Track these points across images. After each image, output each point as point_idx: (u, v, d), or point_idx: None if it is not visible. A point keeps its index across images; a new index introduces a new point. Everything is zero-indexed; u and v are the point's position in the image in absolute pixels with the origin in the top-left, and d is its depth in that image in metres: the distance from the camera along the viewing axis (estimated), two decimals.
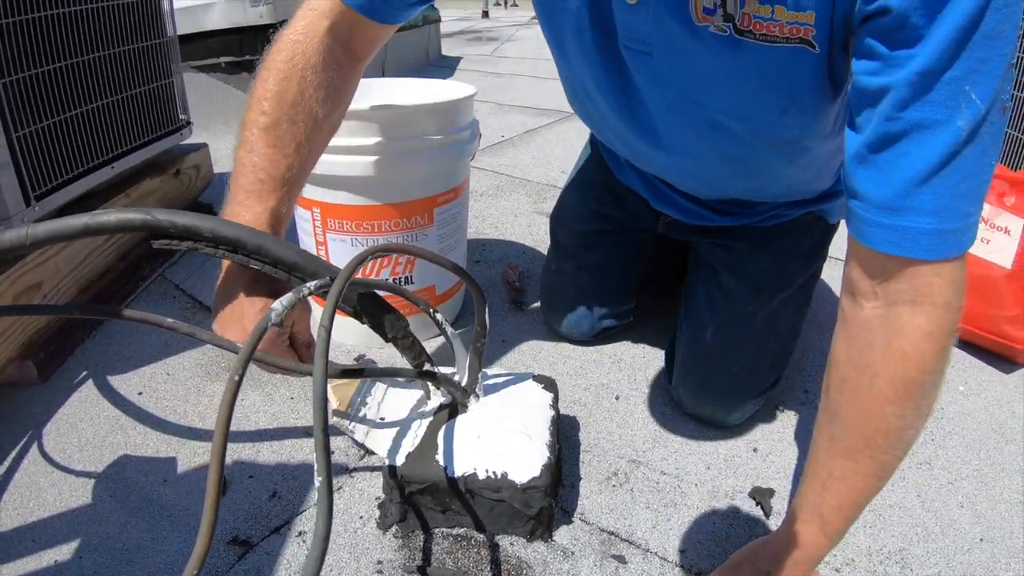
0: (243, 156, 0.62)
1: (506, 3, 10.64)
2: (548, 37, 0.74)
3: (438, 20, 3.84)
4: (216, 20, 2.24)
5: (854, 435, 0.53)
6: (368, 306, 0.62)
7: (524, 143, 2.18)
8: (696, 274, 0.94)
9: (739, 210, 0.86)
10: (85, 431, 0.89)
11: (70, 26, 1.08)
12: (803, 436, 0.89)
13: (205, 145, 1.61)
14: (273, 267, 0.58)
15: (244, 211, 0.60)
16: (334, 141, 0.86)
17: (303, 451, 0.85)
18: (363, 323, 0.63)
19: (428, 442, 0.69)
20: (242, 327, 0.58)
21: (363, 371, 0.63)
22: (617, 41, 0.65)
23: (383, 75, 3.07)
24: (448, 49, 4.16)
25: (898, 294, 0.49)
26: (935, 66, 0.43)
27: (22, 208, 0.96)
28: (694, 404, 0.89)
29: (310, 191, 0.94)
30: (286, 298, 0.52)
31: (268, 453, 0.85)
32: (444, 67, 3.62)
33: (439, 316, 0.67)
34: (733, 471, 0.83)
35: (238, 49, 2.37)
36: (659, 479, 0.81)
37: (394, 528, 0.72)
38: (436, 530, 0.72)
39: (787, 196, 0.83)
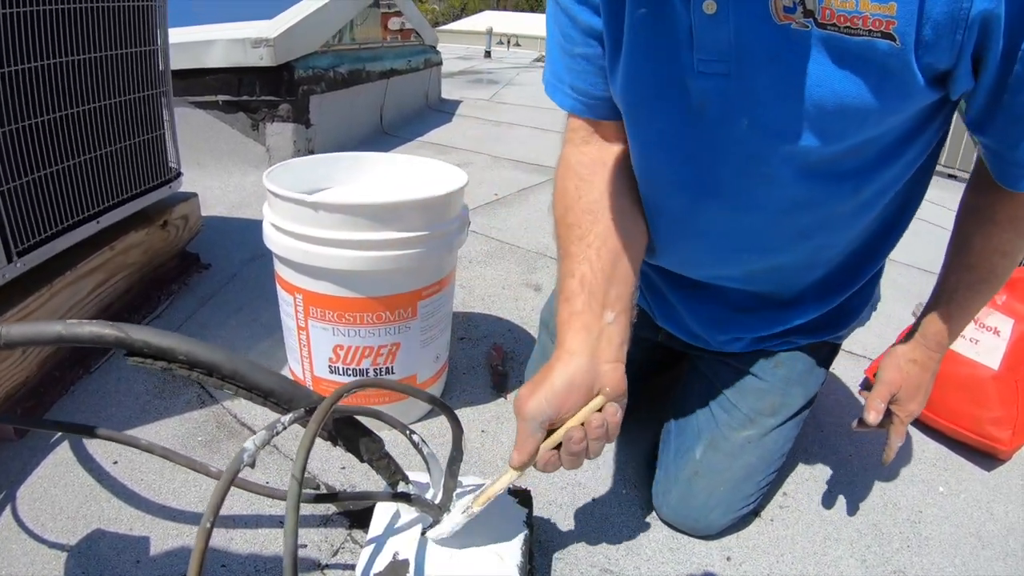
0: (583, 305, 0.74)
1: (508, 43, 10.81)
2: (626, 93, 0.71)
3: (439, 64, 3.89)
4: (216, 59, 2.26)
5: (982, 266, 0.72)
6: (344, 430, 0.62)
7: (517, 203, 2.19)
8: (691, 387, 0.94)
9: (737, 334, 0.86)
10: (60, 498, 0.88)
11: (61, 76, 1.04)
12: (778, 543, 0.89)
13: (195, 195, 1.58)
14: (248, 392, 0.57)
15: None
16: (319, 232, 0.87)
17: (277, 542, 0.84)
18: (337, 446, 0.62)
19: (400, 558, 0.68)
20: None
21: (336, 495, 0.62)
22: (688, 73, 0.63)
23: (380, 120, 3.09)
24: (448, 91, 4.20)
25: None
26: None
27: (3, 264, 0.94)
28: (673, 516, 0.89)
29: (293, 277, 0.93)
30: (259, 437, 0.52)
31: (241, 542, 0.83)
32: (442, 111, 3.65)
33: (415, 437, 0.67)
34: None
35: (236, 88, 2.39)
36: None
37: None
38: None
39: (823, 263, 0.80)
